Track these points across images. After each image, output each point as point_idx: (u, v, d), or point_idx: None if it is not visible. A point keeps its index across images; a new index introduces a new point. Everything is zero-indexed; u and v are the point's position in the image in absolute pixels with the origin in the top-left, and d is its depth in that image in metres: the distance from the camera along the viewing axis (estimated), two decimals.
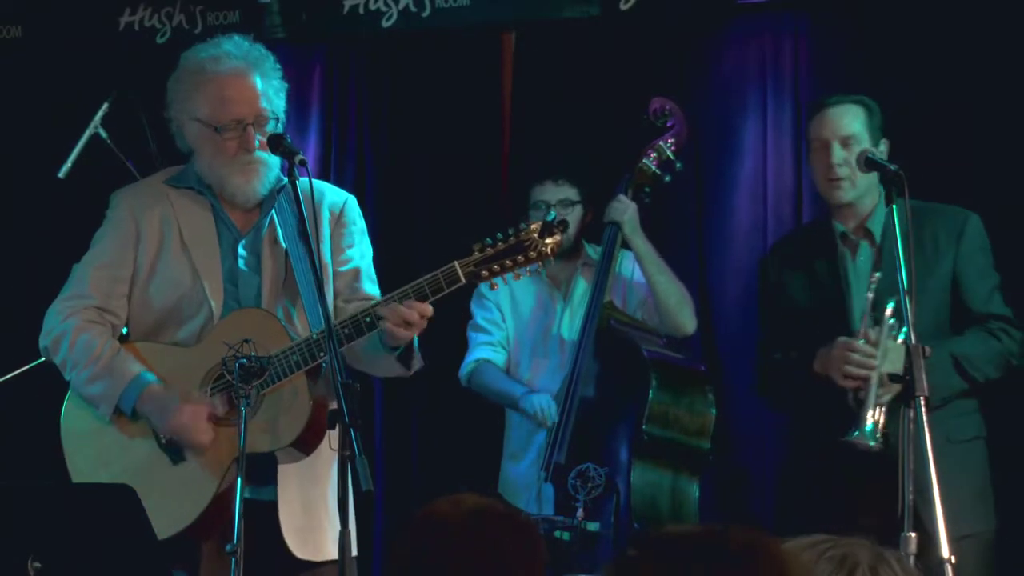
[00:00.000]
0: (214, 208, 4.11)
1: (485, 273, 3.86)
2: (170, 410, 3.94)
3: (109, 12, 6.32)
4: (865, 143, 4.53)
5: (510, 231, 3.86)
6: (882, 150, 4.54)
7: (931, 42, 5.40)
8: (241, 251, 4.09)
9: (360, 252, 4.20)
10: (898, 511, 3.87)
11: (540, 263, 3.91)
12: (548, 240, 3.85)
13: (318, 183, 4.21)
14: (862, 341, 4.36)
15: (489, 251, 3.85)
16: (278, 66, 4.16)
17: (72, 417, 4.10)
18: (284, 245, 4.06)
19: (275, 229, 4.09)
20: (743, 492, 5.77)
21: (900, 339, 4.31)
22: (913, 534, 3.80)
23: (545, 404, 5.13)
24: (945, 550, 3.78)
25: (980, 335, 4.50)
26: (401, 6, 6.03)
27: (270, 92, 4.08)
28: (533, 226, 3.87)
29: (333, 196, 4.22)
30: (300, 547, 4.01)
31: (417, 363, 4.09)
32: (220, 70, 4.05)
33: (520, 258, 3.84)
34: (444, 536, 2.40)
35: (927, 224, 4.46)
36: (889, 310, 4.34)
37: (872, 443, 4.28)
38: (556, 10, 5.88)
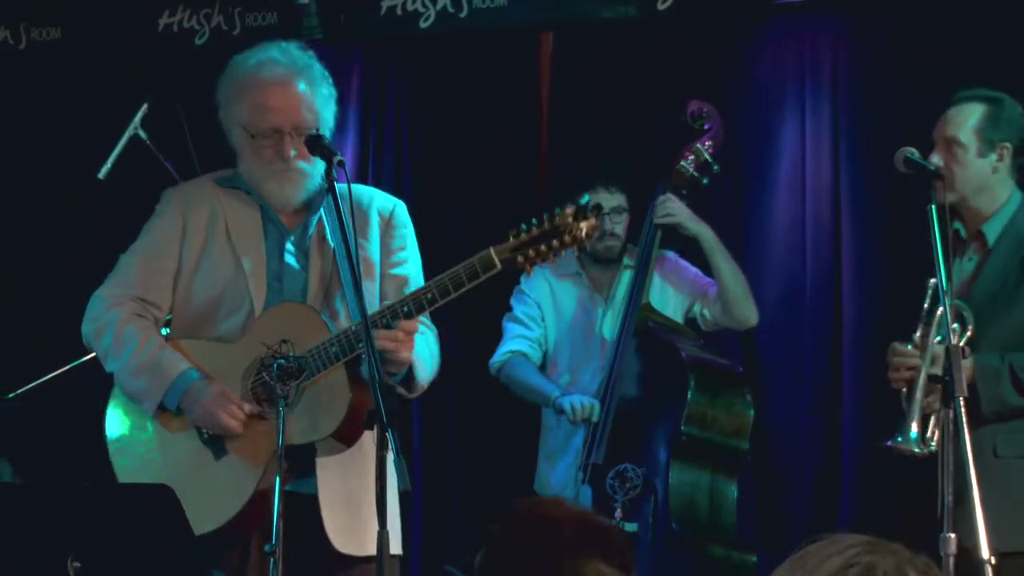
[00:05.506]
0: (262, 208, 4.11)
1: (520, 259, 3.80)
2: (199, 400, 3.95)
3: (148, 13, 6.35)
4: (972, 145, 4.39)
5: (544, 216, 3.81)
6: (992, 157, 4.39)
7: (969, 40, 5.37)
8: (289, 247, 4.09)
9: (411, 259, 4.18)
10: (937, 512, 3.84)
11: (575, 247, 3.88)
12: (583, 224, 3.79)
13: (365, 188, 4.22)
14: (910, 346, 4.30)
15: (524, 237, 3.80)
16: (327, 75, 4.10)
17: (116, 414, 4.11)
18: (332, 244, 4.05)
19: (323, 227, 4.08)
20: (780, 493, 5.76)
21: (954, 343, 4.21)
22: (953, 535, 3.76)
23: (587, 401, 5.08)
24: (985, 551, 3.74)
25: None
26: (439, 7, 6.04)
27: (315, 101, 4.03)
28: (568, 210, 3.80)
29: (382, 200, 4.20)
30: (343, 542, 3.97)
31: (418, 388, 4.04)
32: (262, 76, 4.02)
33: (555, 243, 3.79)
34: (552, 534, 2.39)
35: None
36: (938, 312, 4.27)
37: (917, 449, 4.15)
38: (593, 11, 5.88)
